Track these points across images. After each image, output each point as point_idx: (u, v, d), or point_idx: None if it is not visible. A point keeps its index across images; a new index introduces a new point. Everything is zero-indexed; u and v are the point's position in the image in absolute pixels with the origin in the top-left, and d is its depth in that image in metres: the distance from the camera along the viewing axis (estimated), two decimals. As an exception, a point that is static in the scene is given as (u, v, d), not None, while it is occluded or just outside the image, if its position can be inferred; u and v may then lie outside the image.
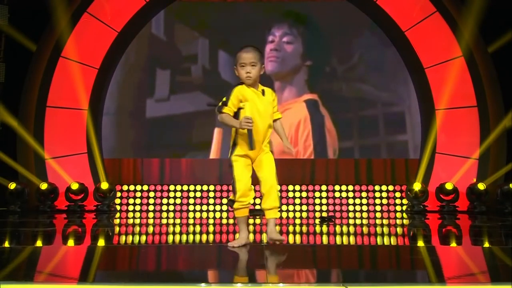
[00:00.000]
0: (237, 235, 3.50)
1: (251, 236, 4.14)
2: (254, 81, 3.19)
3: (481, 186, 7.12)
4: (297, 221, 5.93)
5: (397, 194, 7.56)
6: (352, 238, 4.20)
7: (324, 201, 7.56)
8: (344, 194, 7.58)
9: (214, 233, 4.50)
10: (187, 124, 7.98)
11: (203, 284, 2.17)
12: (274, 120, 3.32)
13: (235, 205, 3.21)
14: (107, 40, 7.91)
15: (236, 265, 2.87)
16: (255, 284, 2.23)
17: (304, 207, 7.51)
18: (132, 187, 7.64)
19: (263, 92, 3.24)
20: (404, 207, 7.44)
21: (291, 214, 7.19)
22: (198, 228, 4.92)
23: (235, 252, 3.15)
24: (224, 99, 3.17)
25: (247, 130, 3.10)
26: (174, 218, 6.42)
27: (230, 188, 7.41)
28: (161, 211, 7.47)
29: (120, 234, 4.59)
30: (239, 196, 3.17)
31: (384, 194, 7.56)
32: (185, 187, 7.62)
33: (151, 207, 7.55)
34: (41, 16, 7.64)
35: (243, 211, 3.24)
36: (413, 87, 7.94)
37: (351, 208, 7.53)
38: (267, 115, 3.22)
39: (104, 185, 7.29)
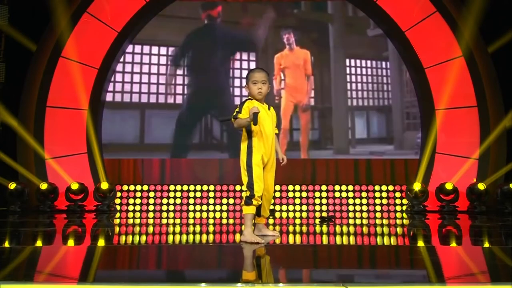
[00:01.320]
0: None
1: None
2: (263, 97, 3.67)
3: (481, 186, 7.12)
4: (297, 221, 5.93)
5: (397, 194, 7.56)
6: (352, 238, 4.20)
7: (324, 201, 7.56)
8: (344, 194, 7.58)
9: (214, 233, 4.50)
10: (186, 125, 7.99)
11: (203, 284, 2.17)
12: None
13: (254, 202, 3.48)
14: (107, 40, 7.91)
15: (236, 265, 2.87)
16: (255, 284, 2.23)
17: (304, 207, 7.51)
18: (132, 187, 7.64)
19: (268, 107, 3.74)
20: (404, 207, 7.44)
21: (291, 214, 7.19)
22: (198, 228, 4.92)
23: (235, 252, 3.15)
24: (237, 109, 3.58)
25: (254, 114, 3.41)
26: (174, 218, 6.42)
27: (230, 188, 7.54)
28: (161, 211, 7.46)
29: (120, 234, 4.59)
30: (259, 195, 3.49)
31: (384, 194, 7.56)
32: (185, 187, 7.62)
33: (151, 207, 7.55)
34: (41, 16, 7.64)
35: (254, 209, 3.53)
36: (413, 87, 7.95)
37: (351, 208, 7.53)
38: (272, 125, 3.70)
39: (104, 185, 7.29)
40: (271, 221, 5.74)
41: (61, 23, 7.71)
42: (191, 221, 5.94)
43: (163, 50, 8.23)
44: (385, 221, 5.90)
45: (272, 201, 3.83)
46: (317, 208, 7.53)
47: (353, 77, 8.17)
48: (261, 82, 3.61)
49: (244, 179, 3.55)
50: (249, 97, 3.69)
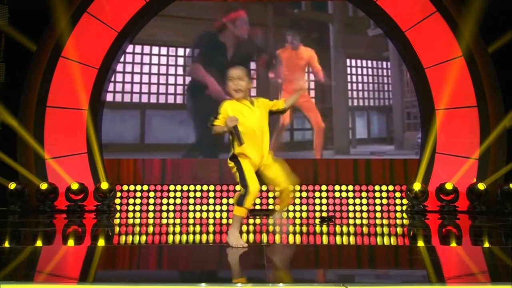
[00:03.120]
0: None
1: (251, 236, 4.15)
2: (244, 94, 3.40)
3: (481, 186, 7.12)
4: (297, 221, 5.93)
5: (397, 194, 7.56)
6: (352, 238, 4.20)
7: (324, 201, 7.55)
8: (344, 194, 7.57)
9: (214, 233, 4.50)
10: (187, 125, 7.99)
11: (203, 284, 2.17)
12: (281, 111, 3.58)
13: (247, 204, 3.22)
14: (107, 40, 7.90)
15: (236, 265, 2.87)
16: (255, 284, 2.23)
17: (305, 207, 7.50)
18: (132, 187, 7.64)
19: (251, 102, 3.44)
20: (404, 207, 7.44)
21: (291, 214, 7.19)
22: (198, 228, 4.92)
23: (235, 252, 3.14)
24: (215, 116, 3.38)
25: (234, 127, 3.24)
26: (174, 218, 6.42)
27: (230, 188, 7.52)
28: (161, 211, 7.46)
29: (120, 234, 4.59)
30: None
31: (384, 194, 7.55)
32: (185, 187, 7.62)
33: (151, 207, 7.54)
34: (41, 16, 7.63)
35: (246, 212, 3.30)
36: (413, 87, 7.95)
37: (351, 208, 7.52)
38: (257, 122, 3.39)
39: (104, 185, 7.29)
40: (271, 221, 5.74)
41: (61, 23, 7.71)
42: (191, 221, 5.95)
43: (163, 50, 8.22)
44: (385, 221, 5.90)
45: (292, 195, 3.71)
46: (317, 208, 7.52)
47: (354, 77, 8.17)
48: (237, 78, 3.36)
49: (237, 179, 3.33)
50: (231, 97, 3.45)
